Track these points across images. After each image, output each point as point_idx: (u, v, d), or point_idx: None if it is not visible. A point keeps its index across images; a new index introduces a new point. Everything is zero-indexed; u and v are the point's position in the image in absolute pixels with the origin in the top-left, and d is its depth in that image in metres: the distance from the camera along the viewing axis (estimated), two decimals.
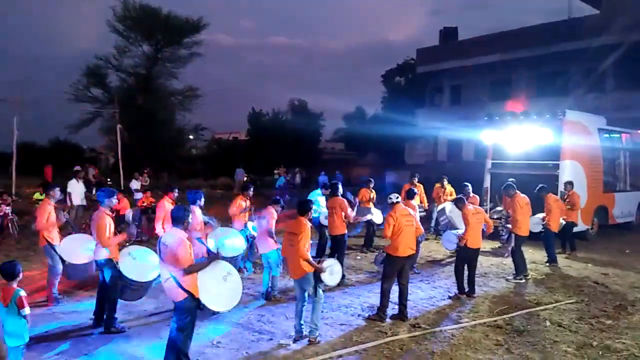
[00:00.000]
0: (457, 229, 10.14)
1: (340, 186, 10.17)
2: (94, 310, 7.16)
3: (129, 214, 12.27)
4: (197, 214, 8.10)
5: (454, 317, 7.77)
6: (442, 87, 33.63)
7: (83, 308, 7.79)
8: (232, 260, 8.20)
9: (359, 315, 7.78)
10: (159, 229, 8.94)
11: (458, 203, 9.17)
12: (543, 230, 11.23)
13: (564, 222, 11.79)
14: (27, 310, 4.95)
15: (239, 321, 7.36)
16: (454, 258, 9.76)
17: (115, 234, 7.13)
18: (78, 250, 7.79)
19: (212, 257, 6.19)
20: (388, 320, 7.49)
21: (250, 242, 9.87)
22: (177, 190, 9.85)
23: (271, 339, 6.71)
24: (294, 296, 7.39)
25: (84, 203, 14.55)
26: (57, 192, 8.41)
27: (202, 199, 8.81)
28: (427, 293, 9.10)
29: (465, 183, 12.26)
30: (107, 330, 6.81)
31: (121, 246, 7.33)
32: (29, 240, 12.43)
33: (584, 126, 14.41)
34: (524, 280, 9.93)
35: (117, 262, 6.94)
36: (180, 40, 36.79)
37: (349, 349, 6.38)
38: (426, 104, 34.97)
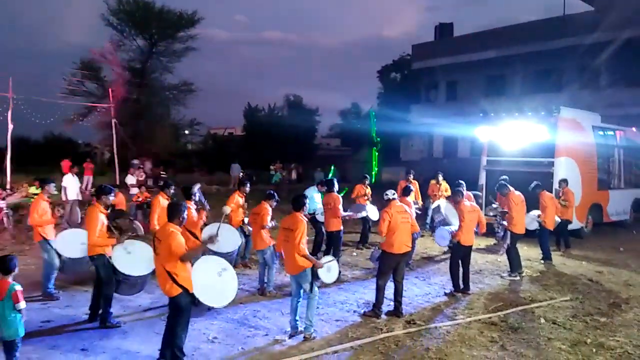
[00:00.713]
0: (451, 225, 10.15)
1: (335, 182, 10.20)
2: (90, 305, 7.15)
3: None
4: (192, 210, 8.10)
5: (449, 314, 7.80)
6: (437, 83, 33.62)
7: (78, 303, 7.78)
8: (227, 256, 8.20)
9: (354, 311, 7.80)
10: (154, 224, 8.92)
11: (455, 196, 9.16)
12: (539, 228, 11.27)
13: (559, 220, 11.83)
14: (22, 304, 4.95)
15: (234, 317, 7.37)
16: (449, 255, 9.78)
17: (109, 229, 7.09)
18: (74, 244, 7.76)
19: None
20: (383, 316, 7.52)
21: (247, 237, 9.86)
22: (172, 187, 9.81)
23: (267, 335, 6.72)
24: (289, 292, 7.39)
25: (80, 197, 14.53)
26: (52, 188, 8.39)
27: (198, 194, 8.82)
28: (423, 290, 9.13)
29: (460, 181, 12.25)
30: (102, 325, 6.81)
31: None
32: (25, 235, 12.41)
33: (578, 123, 14.43)
34: (518, 278, 9.97)
35: (110, 257, 6.92)
36: (174, 34, 36.60)
37: (344, 344, 6.40)
38: (421, 100, 34.97)
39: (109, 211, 7.34)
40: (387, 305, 7.71)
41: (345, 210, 10.37)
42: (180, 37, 36.91)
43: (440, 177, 14.45)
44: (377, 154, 31.92)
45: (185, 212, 5.86)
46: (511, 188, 10.28)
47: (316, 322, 6.91)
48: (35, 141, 45.18)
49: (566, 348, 6.50)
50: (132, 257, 7.05)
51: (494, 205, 11.97)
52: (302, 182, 27.40)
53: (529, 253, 11.92)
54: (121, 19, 35.22)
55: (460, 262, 8.87)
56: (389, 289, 7.72)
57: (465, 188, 11.80)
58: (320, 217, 10.58)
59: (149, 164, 22.65)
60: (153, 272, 6.19)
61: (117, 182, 19.18)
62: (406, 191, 10.27)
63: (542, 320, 7.49)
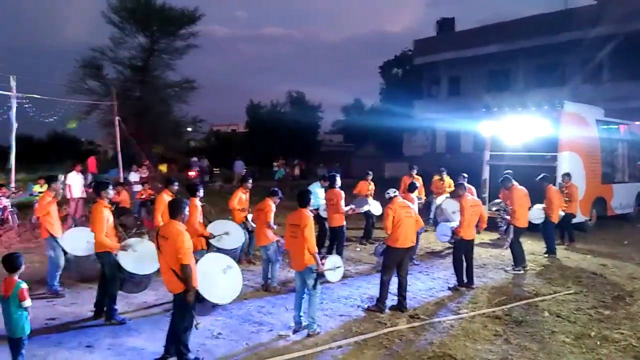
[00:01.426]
0: (452, 221, 10.15)
1: (337, 178, 10.19)
2: (95, 302, 7.17)
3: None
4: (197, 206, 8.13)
5: (452, 308, 7.80)
6: (439, 78, 33.53)
7: (83, 300, 7.81)
8: (231, 253, 8.23)
9: (358, 306, 7.81)
10: (158, 221, 8.94)
11: (458, 189, 9.14)
12: (543, 221, 11.25)
13: (563, 214, 11.82)
14: (28, 302, 4.97)
15: (238, 313, 7.38)
16: (452, 249, 9.78)
17: (114, 226, 7.11)
18: (81, 242, 7.81)
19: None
20: (387, 311, 7.52)
21: (250, 234, 9.88)
22: (176, 184, 9.76)
23: (271, 330, 6.74)
24: (293, 288, 7.42)
25: (84, 195, 14.56)
26: (59, 186, 8.42)
27: (202, 191, 8.83)
28: (426, 284, 9.14)
29: (463, 174, 12.26)
30: (107, 322, 6.84)
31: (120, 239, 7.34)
32: (30, 233, 12.46)
33: (582, 117, 14.41)
34: (522, 271, 9.96)
35: (115, 255, 6.95)
36: (175, 32, 36.56)
37: (348, 339, 6.42)
38: (424, 95, 34.90)
39: (113, 208, 7.36)
40: (391, 299, 7.71)
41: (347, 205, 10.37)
42: (182, 34, 36.87)
43: (445, 174, 14.43)
44: None
45: (187, 209, 5.85)
46: (515, 182, 10.27)
47: (320, 317, 6.93)
48: (39, 139, 45.27)
49: (570, 341, 6.50)
50: (138, 256, 7.08)
51: (497, 201, 11.96)
52: (306, 179, 27.40)
53: (533, 247, 11.92)
54: (122, 16, 35.20)
55: (463, 256, 8.88)
56: (393, 283, 7.72)
57: (466, 182, 11.82)
58: (323, 213, 10.59)
59: (206, 160, 22.50)
60: (158, 270, 6.21)
61: (121, 180, 19.23)
62: (411, 187, 10.23)
63: (546, 314, 7.50)
